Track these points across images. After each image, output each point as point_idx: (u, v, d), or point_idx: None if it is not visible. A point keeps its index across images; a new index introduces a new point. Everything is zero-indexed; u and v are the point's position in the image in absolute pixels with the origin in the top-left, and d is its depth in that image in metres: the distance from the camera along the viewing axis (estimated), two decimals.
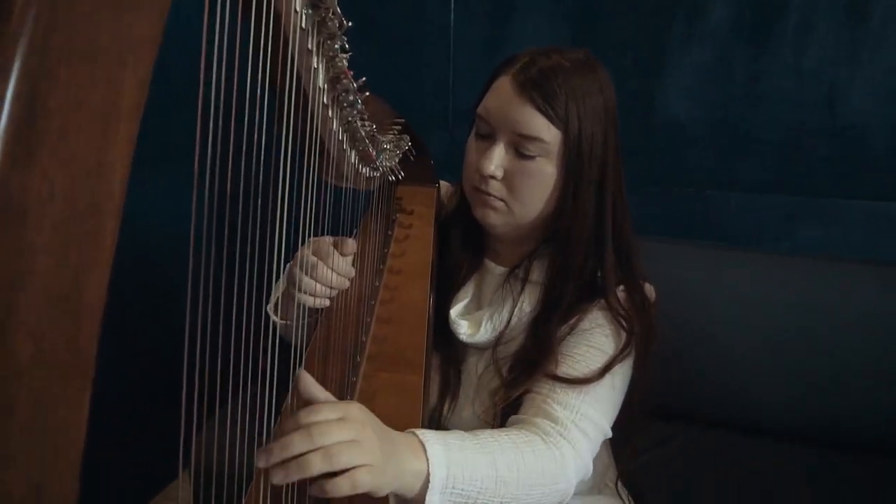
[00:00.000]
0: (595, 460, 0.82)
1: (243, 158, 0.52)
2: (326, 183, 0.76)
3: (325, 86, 0.66)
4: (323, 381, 0.78)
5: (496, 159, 0.88)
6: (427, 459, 0.66)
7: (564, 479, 0.76)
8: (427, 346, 0.88)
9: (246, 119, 0.51)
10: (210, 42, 0.43)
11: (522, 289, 0.93)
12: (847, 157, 1.40)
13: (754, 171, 1.46)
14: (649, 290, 0.94)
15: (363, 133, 0.78)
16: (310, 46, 0.60)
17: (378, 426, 0.65)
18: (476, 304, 0.99)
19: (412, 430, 0.69)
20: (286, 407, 0.72)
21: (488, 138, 0.89)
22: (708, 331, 1.22)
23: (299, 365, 0.75)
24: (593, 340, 0.86)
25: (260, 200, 0.57)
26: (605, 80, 0.88)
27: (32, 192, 0.30)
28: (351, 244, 0.82)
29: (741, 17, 1.40)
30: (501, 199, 0.90)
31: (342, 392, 0.80)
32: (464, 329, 0.94)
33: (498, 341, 0.91)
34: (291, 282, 0.82)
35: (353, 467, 0.59)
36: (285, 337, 0.88)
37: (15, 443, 0.32)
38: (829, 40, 1.36)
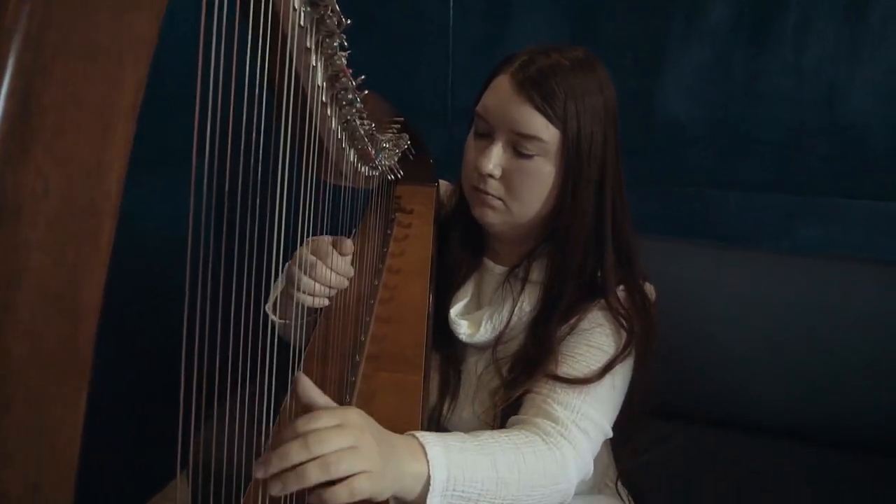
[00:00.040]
0: (595, 460, 0.82)
1: (241, 157, 0.52)
2: (325, 182, 0.76)
3: (324, 84, 0.66)
4: (322, 381, 0.78)
5: (494, 158, 0.87)
6: (427, 462, 0.66)
7: (565, 479, 0.76)
8: (426, 345, 0.88)
9: (244, 118, 0.51)
10: (208, 40, 0.43)
11: (522, 288, 0.93)
12: (847, 156, 1.40)
13: (754, 170, 1.46)
14: (649, 289, 0.94)
15: (362, 132, 0.78)
16: (308, 44, 0.60)
17: (377, 430, 0.64)
18: (476, 304, 0.99)
19: (412, 432, 0.69)
20: (284, 407, 0.72)
21: (487, 137, 0.89)
22: (707, 330, 1.22)
23: (298, 364, 0.75)
24: (593, 340, 0.86)
25: (258, 199, 0.57)
26: (604, 79, 0.88)
27: (27, 188, 0.30)
28: (349, 244, 0.81)
29: (741, 15, 1.40)
30: (499, 199, 0.89)
31: (341, 392, 0.80)
32: (463, 329, 0.94)
33: (498, 341, 0.91)
34: (290, 281, 0.82)
35: (352, 474, 0.59)
36: (284, 336, 0.87)
37: (11, 442, 0.32)
38: (829, 39, 1.36)
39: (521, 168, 0.87)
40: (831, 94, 1.38)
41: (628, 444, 0.96)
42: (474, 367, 0.94)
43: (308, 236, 0.74)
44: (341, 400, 0.79)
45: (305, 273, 0.80)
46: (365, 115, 0.76)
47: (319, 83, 0.65)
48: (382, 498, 0.62)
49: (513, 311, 0.92)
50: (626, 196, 0.91)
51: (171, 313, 0.52)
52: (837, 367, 1.17)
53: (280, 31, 0.55)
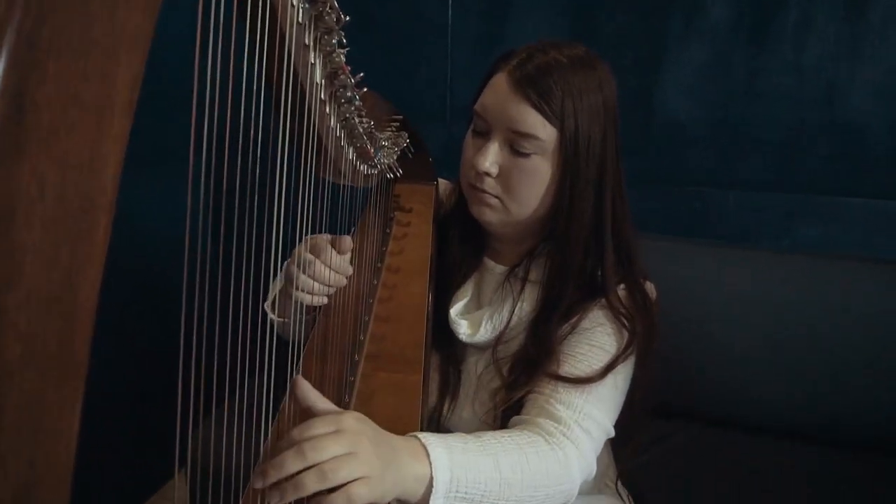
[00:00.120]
0: (596, 460, 0.82)
1: (239, 155, 0.51)
2: (324, 180, 0.76)
3: (323, 81, 0.66)
4: (321, 380, 0.78)
5: (491, 156, 0.87)
6: (430, 463, 0.65)
7: (569, 479, 0.76)
8: (426, 345, 0.87)
9: (242, 115, 0.50)
10: (205, 37, 0.43)
11: (522, 288, 0.92)
12: (846, 154, 1.40)
13: (754, 169, 1.46)
14: (650, 288, 0.93)
15: (361, 129, 0.77)
16: (307, 41, 0.60)
17: (376, 433, 0.64)
18: (476, 304, 0.98)
19: (414, 433, 0.68)
20: (283, 407, 0.71)
21: (484, 135, 0.89)
22: (708, 329, 1.22)
23: (297, 363, 0.74)
24: (595, 339, 0.86)
25: (257, 198, 0.56)
26: (605, 77, 0.87)
27: (22, 189, 0.30)
28: (348, 242, 0.81)
29: (741, 14, 1.40)
30: (497, 197, 0.89)
31: (340, 391, 0.80)
32: (463, 328, 0.94)
33: (498, 341, 0.91)
34: (289, 280, 0.82)
35: (350, 481, 0.58)
36: (283, 335, 0.87)
37: (4, 444, 0.32)
38: (829, 38, 1.36)
39: (518, 166, 0.86)
40: (831, 93, 1.38)
41: (629, 444, 0.96)
42: (474, 367, 0.93)
43: (307, 235, 0.74)
44: (340, 399, 0.78)
45: (304, 271, 0.79)
46: (364, 113, 0.76)
47: (318, 80, 0.64)
48: (384, 502, 0.62)
49: (513, 311, 0.91)
50: (627, 195, 0.91)
51: (170, 312, 0.52)
52: (837, 366, 1.17)
53: (278, 28, 0.55)
